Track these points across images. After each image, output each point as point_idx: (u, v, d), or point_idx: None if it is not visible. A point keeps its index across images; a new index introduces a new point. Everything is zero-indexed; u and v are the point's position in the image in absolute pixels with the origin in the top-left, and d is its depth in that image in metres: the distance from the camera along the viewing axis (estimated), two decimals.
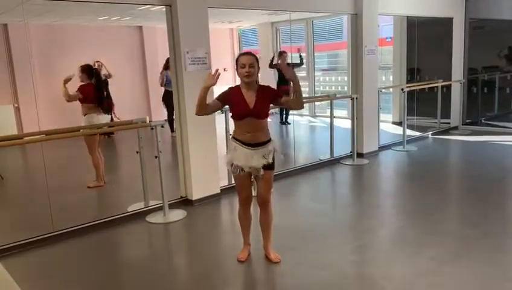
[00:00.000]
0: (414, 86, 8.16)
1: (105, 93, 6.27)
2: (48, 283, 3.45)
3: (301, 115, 10.59)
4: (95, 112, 5.57)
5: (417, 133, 8.28)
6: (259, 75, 3.37)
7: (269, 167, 3.37)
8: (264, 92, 3.34)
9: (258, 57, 3.39)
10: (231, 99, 3.30)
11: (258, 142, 3.32)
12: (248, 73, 3.24)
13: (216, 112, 3.80)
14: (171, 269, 3.70)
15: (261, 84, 3.41)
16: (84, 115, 5.56)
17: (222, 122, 5.31)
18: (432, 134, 8.41)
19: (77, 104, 5.62)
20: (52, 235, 4.16)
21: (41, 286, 3.39)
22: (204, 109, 3.26)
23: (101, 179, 5.80)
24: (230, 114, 3.39)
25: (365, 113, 6.82)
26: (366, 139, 6.92)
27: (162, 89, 8.83)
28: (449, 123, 8.85)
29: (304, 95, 10.90)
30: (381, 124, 7.43)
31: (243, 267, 3.48)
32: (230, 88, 3.39)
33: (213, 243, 4.08)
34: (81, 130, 5.45)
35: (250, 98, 3.28)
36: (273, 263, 3.48)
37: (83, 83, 5.58)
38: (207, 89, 3.19)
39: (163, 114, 8.97)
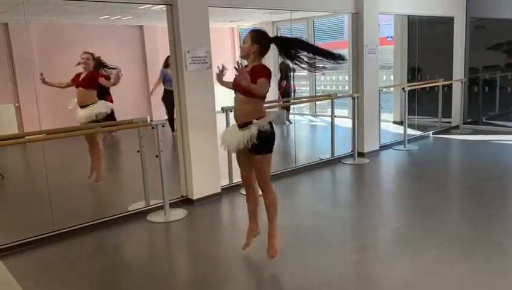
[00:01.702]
0: (415, 85, 8.15)
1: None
2: (49, 282, 3.46)
3: (302, 115, 10.59)
4: (97, 100, 5.58)
5: (418, 133, 8.27)
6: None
7: (256, 150, 3.25)
8: (252, 71, 3.22)
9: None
10: None
11: (241, 123, 3.27)
12: (241, 49, 3.31)
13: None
14: (171, 269, 3.71)
15: (260, 64, 3.28)
16: (88, 105, 5.47)
17: (223, 121, 5.32)
18: (433, 133, 8.40)
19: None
20: (53, 235, 4.16)
21: (42, 285, 3.40)
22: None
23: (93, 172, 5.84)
24: None
25: (366, 113, 6.82)
26: (367, 139, 6.91)
27: (163, 88, 8.82)
28: (450, 122, 8.85)
29: (304, 94, 10.92)
30: (382, 123, 7.43)
31: (243, 267, 3.48)
32: None
33: (213, 242, 4.08)
34: (82, 128, 5.48)
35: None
36: (273, 263, 3.47)
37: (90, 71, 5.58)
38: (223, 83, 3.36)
39: (164, 113, 8.96)
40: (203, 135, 5.01)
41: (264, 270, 3.46)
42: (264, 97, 3.32)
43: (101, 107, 5.56)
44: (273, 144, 3.35)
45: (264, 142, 3.25)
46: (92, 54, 5.65)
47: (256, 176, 3.42)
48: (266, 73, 3.21)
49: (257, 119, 3.24)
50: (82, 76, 5.56)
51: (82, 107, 5.52)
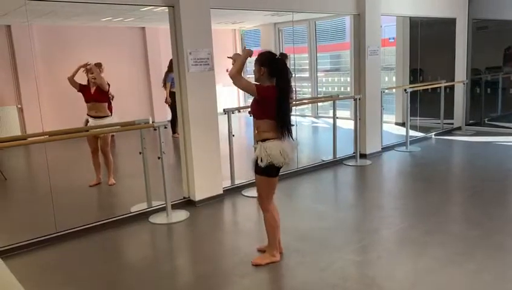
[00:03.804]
0: (417, 86, 8.15)
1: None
2: (51, 283, 3.46)
3: (304, 116, 10.59)
4: (109, 113, 5.80)
5: (420, 134, 8.26)
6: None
7: (255, 169, 3.39)
8: None
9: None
10: None
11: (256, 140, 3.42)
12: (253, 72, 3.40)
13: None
14: (173, 270, 3.71)
15: (268, 85, 3.35)
16: (104, 117, 5.64)
17: (225, 123, 5.33)
18: (435, 135, 8.40)
19: (81, 104, 5.66)
20: (56, 236, 4.17)
21: (44, 287, 3.40)
22: (241, 74, 3.34)
23: (99, 178, 5.90)
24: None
25: (368, 114, 6.82)
26: (369, 140, 6.91)
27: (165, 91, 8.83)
28: (452, 124, 8.84)
29: (306, 96, 10.90)
30: (384, 124, 7.42)
31: (245, 268, 3.48)
32: None
33: (215, 244, 4.08)
34: (90, 131, 5.61)
35: None
36: (275, 264, 3.48)
37: (97, 87, 5.67)
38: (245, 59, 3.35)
39: (166, 115, 8.98)
40: (205, 137, 5.01)
41: (266, 272, 3.46)
42: (268, 118, 3.32)
43: (113, 119, 5.72)
44: (273, 171, 3.38)
45: (260, 166, 3.34)
46: (97, 66, 5.73)
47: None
48: (262, 89, 3.30)
49: (263, 140, 3.32)
50: (93, 89, 5.62)
51: (94, 118, 5.63)
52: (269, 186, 3.45)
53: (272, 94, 3.30)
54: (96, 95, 5.62)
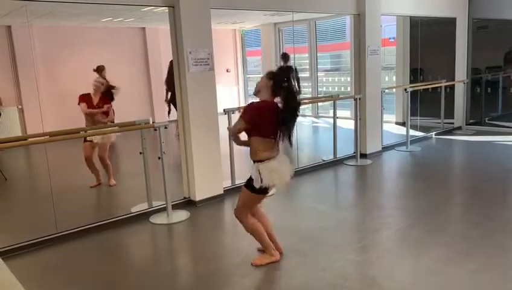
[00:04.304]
0: (417, 86, 8.14)
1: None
2: (52, 283, 3.47)
3: (304, 116, 10.59)
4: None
5: (420, 134, 8.26)
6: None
7: (246, 184, 3.41)
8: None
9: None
10: None
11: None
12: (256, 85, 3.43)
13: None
14: (174, 270, 3.71)
15: (261, 101, 3.37)
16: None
17: (225, 123, 5.32)
18: (436, 134, 8.40)
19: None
20: (56, 236, 4.18)
21: (45, 287, 3.41)
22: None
23: (99, 179, 5.90)
24: None
25: (368, 114, 6.82)
26: (370, 140, 6.91)
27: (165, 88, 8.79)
28: (453, 123, 8.84)
29: (306, 96, 10.90)
30: (384, 124, 7.42)
31: (245, 269, 3.48)
32: None
33: (216, 244, 4.08)
34: (92, 131, 5.58)
35: None
36: (275, 264, 3.49)
37: (100, 95, 5.72)
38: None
39: (167, 115, 8.96)
40: (205, 137, 5.02)
41: (266, 272, 3.46)
42: (261, 136, 3.31)
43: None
44: (263, 190, 3.35)
45: (250, 181, 3.37)
46: (100, 69, 5.73)
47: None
48: (249, 118, 3.32)
49: (259, 161, 3.30)
50: (95, 99, 5.66)
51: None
52: (253, 201, 3.46)
53: (265, 112, 3.29)
54: (99, 105, 5.64)
